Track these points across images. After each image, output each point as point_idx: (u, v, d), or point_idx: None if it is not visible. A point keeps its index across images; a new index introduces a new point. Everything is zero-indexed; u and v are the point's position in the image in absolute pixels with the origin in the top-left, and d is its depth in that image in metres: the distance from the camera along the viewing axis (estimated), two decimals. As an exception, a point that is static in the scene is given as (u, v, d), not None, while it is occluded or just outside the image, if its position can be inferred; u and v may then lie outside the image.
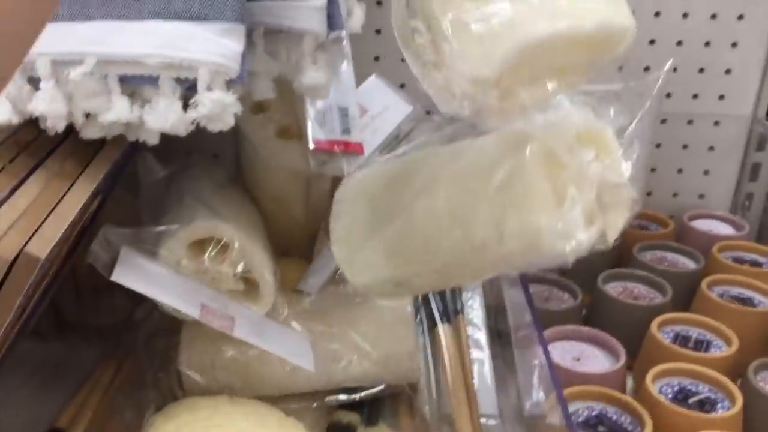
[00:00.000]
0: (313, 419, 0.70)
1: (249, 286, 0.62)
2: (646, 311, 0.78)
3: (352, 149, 0.69)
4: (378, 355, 0.68)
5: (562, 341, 0.73)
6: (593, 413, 0.63)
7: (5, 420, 0.64)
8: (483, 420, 0.65)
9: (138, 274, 0.55)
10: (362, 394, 0.69)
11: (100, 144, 0.59)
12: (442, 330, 0.70)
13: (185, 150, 0.85)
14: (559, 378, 0.56)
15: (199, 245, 0.59)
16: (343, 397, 0.69)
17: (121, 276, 0.54)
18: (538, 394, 0.67)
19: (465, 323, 0.72)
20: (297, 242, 0.82)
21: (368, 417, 0.69)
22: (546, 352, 0.58)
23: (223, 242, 0.58)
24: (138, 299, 0.79)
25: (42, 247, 0.45)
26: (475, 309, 0.74)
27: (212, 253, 0.58)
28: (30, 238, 0.46)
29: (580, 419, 0.63)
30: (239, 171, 0.80)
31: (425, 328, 0.70)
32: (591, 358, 0.71)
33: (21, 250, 0.44)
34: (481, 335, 0.73)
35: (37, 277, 0.46)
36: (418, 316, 0.70)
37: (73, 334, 0.78)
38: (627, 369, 0.71)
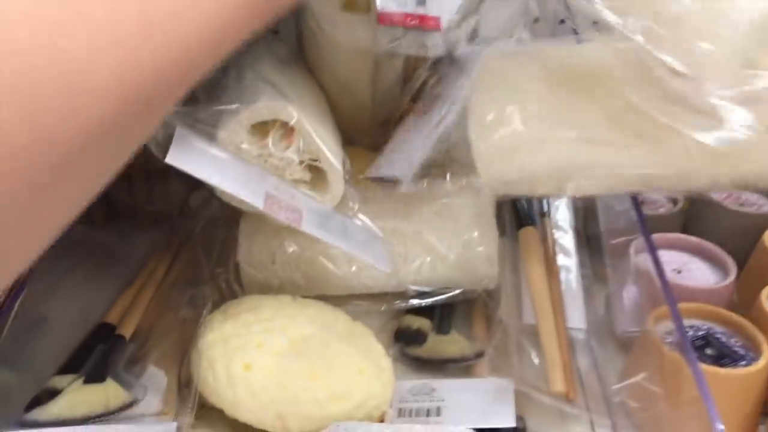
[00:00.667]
0: (379, 323, 0.65)
1: (315, 176, 0.55)
2: (754, 219, 0.69)
3: (427, 24, 0.60)
4: (454, 258, 0.62)
5: (661, 251, 0.64)
6: (699, 333, 0.55)
7: (54, 309, 0.60)
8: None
9: (195, 157, 0.49)
10: (434, 299, 0.63)
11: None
12: (527, 233, 0.63)
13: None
14: (672, 291, 0.49)
15: (261, 128, 0.52)
16: (414, 301, 0.63)
17: (177, 159, 0.47)
18: (634, 308, 0.60)
19: (552, 226, 0.64)
20: (362, 131, 0.74)
21: (440, 324, 0.64)
22: (656, 260, 0.51)
23: (288, 126, 0.51)
24: (193, 185, 0.74)
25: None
26: (562, 211, 0.67)
27: (276, 137, 0.51)
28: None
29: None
30: (301, 50, 0.72)
31: (508, 230, 0.63)
32: (694, 271, 0.63)
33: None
34: (568, 240, 0.65)
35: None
36: (500, 217, 0.63)
37: (126, 223, 0.73)
38: (731, 284, 0.63)
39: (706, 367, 0.50)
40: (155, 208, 0.75)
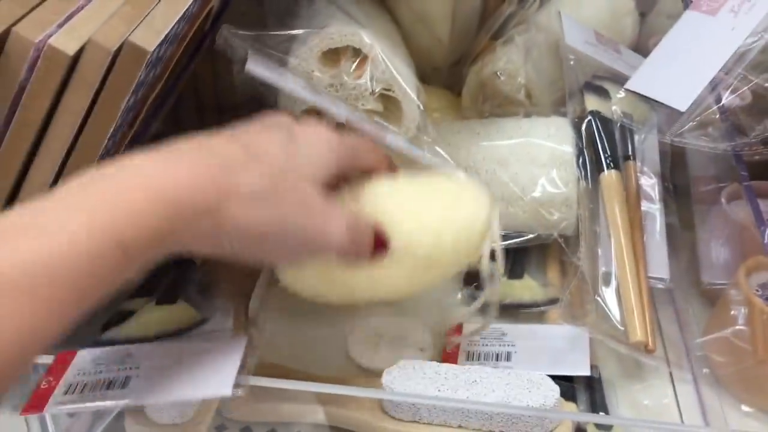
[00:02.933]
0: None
1: (388, 108, 0.53)
2: None
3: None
4: (528, 201, 0.59)
5: (758, 200, 0.60)
6: (795, 287, 0.52)
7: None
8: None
9: (272, 72, 0.47)
10: (509, 242, 0.60)
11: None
12: (609, 177, 0.59)
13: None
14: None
15: (333, 57, 0.50)
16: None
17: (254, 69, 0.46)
18: (723, 259, 0.57)
19: (636, 171, 0.60)
20: (437, 66, 0.72)
21: (512, 268, 0.61)
22: (756, 208, 0.47)
23: (360, 54, 0.49)
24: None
25: (150, 38, 0.37)
26: (647, 155, 0.63)
27: (348, 66, 0.49)
28: (135, 28, 0.38)
29: (775, 294, 0.52)
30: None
31: (588, 173, 0.59)
32: (792, 222, 0.58)
33: (125, 40, 0.37)
34: (653, 186, 0.61)
35: (149, 75, 0.39)
36: (581, 159, 0.60)
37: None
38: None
39: (804, 322, 0.46)
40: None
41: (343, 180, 0.44)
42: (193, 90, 0.71)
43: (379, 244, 0.42)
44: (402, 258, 0.44)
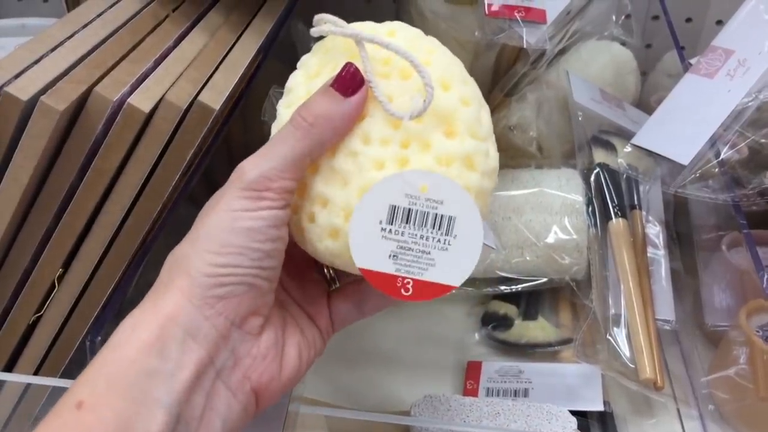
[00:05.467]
0: (467, 308, 0.67)
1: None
2: None
3: (533, 17, 0.61)
4: (542, 246, 0.63)
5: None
6: (792, 328, 0.55)
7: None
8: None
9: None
10: (522, 286, 0.64)
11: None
12: (617, 225, 0.64)
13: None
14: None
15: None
16: (501, 287, 0.64)
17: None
18: (725, 302, 0.61)
19: (642, 219, 0.65)
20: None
21: (526, 310, 0.65)
22: (755, 254, 0.51)
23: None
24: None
25: (215, 97, 0.42)
26: (652, 204, 0.67)
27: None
28: (202, 88, 0.42)
29: (774, 335, 0.56)
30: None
31: (597, 221, 0.64)
32: (787, 268, 0.63)
33: (194, 99, 0.41)
34: (657, 233, 0.65)
35: (208, 130, 0.43)
36: (590, 208, 0.64)
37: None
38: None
39: (801, 361, 0.50)
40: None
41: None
42: (224, 140, 0.76)
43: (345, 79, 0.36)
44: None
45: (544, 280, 0.64)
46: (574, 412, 0.54)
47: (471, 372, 0.60)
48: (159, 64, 0.45)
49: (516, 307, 0.66)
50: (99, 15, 0.50)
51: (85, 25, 0.47)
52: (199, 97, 0.41)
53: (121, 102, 0.40)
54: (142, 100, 0.40)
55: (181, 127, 0.41)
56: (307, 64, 0.40)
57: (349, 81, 0.35)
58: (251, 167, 0.34)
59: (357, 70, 0.36)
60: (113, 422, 0.29)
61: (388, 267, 0.36)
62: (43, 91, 0.39)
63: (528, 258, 0.64)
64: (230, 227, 0.33)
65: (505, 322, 0.64)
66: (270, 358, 0.35)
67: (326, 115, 0.35)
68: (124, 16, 0.50)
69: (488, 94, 0.76)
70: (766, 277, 0.52)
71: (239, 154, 0.78)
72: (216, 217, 0.34)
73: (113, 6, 0.51)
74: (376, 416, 0.49)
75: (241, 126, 0.75)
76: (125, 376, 0.30)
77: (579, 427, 0.53)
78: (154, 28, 0.49)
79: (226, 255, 0.33)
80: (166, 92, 0.41)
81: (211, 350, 0.32)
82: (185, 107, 0.41)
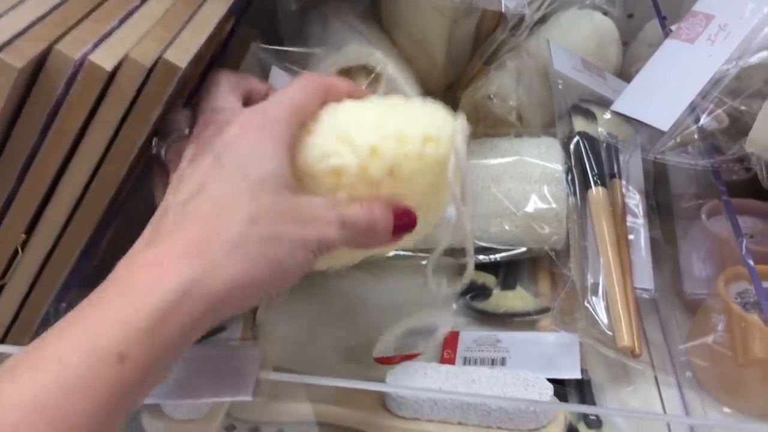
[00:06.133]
0: (445, 277, 0.66)
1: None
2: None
3: (512, -22, 0.60)
4: (521, 215, 0.63)
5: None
6: (770, 296, 0.55)
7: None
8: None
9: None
10: (500, 255, 0.64)
11: (236, -42, 0.54)
12: (596, 193, 0.63)
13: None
14: (750, 253, 0.49)
15: (346, 74, 0.53)
16: (480, 257, 0.64)
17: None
18: (704, 270, 0.60)
19: (621, 188, 0.64)
20: (432, 90, 0.75)
21: (504, 280, 0.65)
22: (735, 222, 0.51)
23: (372, 74, 0.52)
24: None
25: (181, 55, 0.40)
26: (632, 173, 0.66)
27: (363, 82, 0.52)
28: (167, 47, 0.41)
29: (751, 300, 0.56)
30: (376, 8, 0.73)
31: (576, 190, 0.63)
32: (766, 236, 0.62)
33: (159, 57, 0.40)
34: (637, 202, 0.65)
35: (174, 90, 0.42)
36: (570, 176, 0.63)
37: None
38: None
39: (780, 327, 0.50)
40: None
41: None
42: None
43: (400, 218, 0.40)
44: (365, 172, 0.40)
45: (523, 249, 0.64)
46: (551, 380, 0.54)
47: (448, 342, 0.59)
48: (124, 22, 0.43)
49: (495, 277, 0.65)
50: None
51: (47, -16, 0.46)
52: (165, 55, 0.39)
53: (83, 60, 0.39)
54: (105, 58, 0.39)
55: (146, 86, 0.40)
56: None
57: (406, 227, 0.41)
58: None
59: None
60: (143, 380, 0.30)
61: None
62: (0, 48, 0.38)
63: (507, 227, 0.63)
64: None
65: (484, 292, 0.64)
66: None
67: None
68: (89, -24, 0.48)
69: (467, 62, 0.75)
70: (744, 243, 0.52)
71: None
72: None
73: (78, -35, 0.50)
74: (353, 383, 0.48)
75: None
76: (167, 342, 0.31)
77: (556, 394, 0.53)
78: (121, -12, 0.47)
79: None
80: (130, 50, 0.40)
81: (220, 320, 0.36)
82: (150, 66, 0.39)
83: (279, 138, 0.37)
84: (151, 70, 0.40)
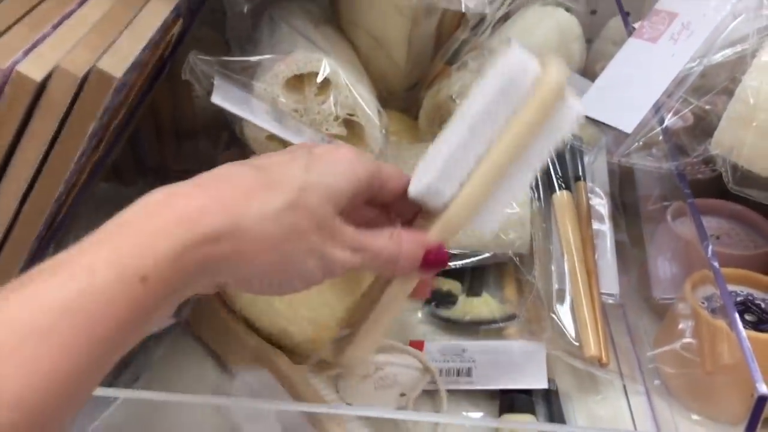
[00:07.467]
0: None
1: (351, 132, 0.54)
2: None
3: (470, -22, 0.58)
4: (485, 220, 0.61)
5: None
6: (738, 299, 0.54)
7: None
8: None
9: (237, 101, 0.48)
10: (464, 261, 0.62)
11: (181, -43, 0.51)
12: (561, 197, 0.62)
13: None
14: (716, 256, 0.48)
15: (297, 83, 0.51)
16: (443, 263, 0.62)
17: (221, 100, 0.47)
18: (671, 274, 0.59)
19: (587, 191, 0.63)
20: (394, 92, 0.73)
21: (470, 286, 0.63)
22: (700, 225, 0.49)
23: (324, 80, 0.50)
24: (222, 144, 0.74)
25: (116, 64, 0.38)
26: (597, 176, 0.65)
27: (312, 91, 0.50)
28: (102, 54, 0.39)
29: (718, 304, 0.55)
30: (333, 9, 0.71)
31: (540, 193, 0.62)
32: (732, 237, 0.61)
33: (93, 66, 0.37)
34: (602, 205, 0.64)
35: (114, 101, 0.39)
36: (533, 180, 0.62)
37: (155, 180, 0.73)
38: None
39: (747, 332, 0.49)
40: (183, 167, 0.74)
41: (371, 203, 0.43)
42: (152, 115, 0.72)
43: (431, 255, 0.41)
44: None
45: (488, 255, 0.62)
46: (518, 391, 0.53)
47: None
48: (58, 28, 0.40)
49: (460, 284, 0.63)
50: (-5, -24, 0.45)
51: (-23, -12, 0.43)
52: (98, 64, 0.37)
53: (11, 70, 0.36)
54: (33, 68, 0.36)
55: (79, 98, 0.37)
56: None
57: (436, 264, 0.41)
58: None
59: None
60: (153, 307, 0.31)
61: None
62: None
63: (470, 232, 0.61)
64: None
65: (449, 299, 0.62)
66: None
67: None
68: (23, -23, 0.45)
69: (429, 62, 0.73)
70: (710, 247, 0.51)
71: (169, 128, 0.74)
72: None
73: (13, -34, 0.47)
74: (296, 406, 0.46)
75: (169, 99, 0.71)
76: (182, 279, 0.32)
77: (523, 406, 0.52)
78: (56, -10, 0.44)
79: None
80: (61, 59, 0.37)
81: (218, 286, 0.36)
82: (82, 75, 0.37)
83: (357, 172, 0.39)
84: (84, 80, 0.37)
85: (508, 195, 0.41)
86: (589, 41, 0.77)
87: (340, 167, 0.39)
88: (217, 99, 0.46)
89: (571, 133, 0.40)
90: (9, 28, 0.40)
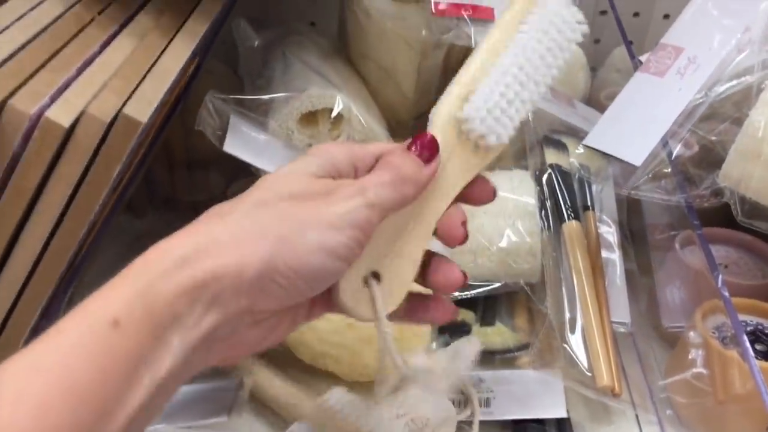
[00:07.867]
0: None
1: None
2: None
3: (481, 15, 0.60)
4: (495, 251, 0.62)
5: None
6: (748, 329, 0.55)
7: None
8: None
9: (249, 145, 0.49)
10: (476, 291, 0.63)
11: (197, -1, 0.52)
12: (570, 227, 0.62)
13: (280, 18, 0.77)
14: (725, 284, 0.48)
15: (310, 117, 0.52)
16: (457, 293, 0.62)
17: (233, 146, 0.47)
18: (680, 303, 0.60)
19: (595, 220, 0.63)
20: (401, 122, 0.74)
21: (483, 316, 0.64)
22: (709, 254, 0.50)
23: (336, 114, 0.51)
24: (232, 176, 0.74)
25: (142, 109, 0.39)
26: (605, 205, 0.66)
27: (326, 126, 0.51)
28: (128, 99, 0.39)
29: (729, 334, 0.55)
30: (342, 42, 0.72)
31: (550, 223, 0.62)
32: (741, 267, 0.62)
33: (119, 111, 0.38)
34: (611, 234, 0.64)
35: (137, 143, 0.40)
36: (543, 211, 0.62)
37: (167, 211, 0.74)
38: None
39: (758, 363, 0.49)
40: (195, 197, 0.75)
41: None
42: (164, 146, 0.73)
43: (421, 149, 0.38)
44: None
45: (498, 285, 0.63)
46: (532, 420, 0.53)
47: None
48: (82, 72, 0.41)
49: (473, 313, 0.64)
50: (18, 18, 0.46)
51: (1, 31, 0.44)
52: (125, 110, 0.38)
53: (39, 115, 0.37)
54: (61, 114, 0.37)
55: (106, 142, 0.38)
56: None
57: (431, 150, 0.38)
58: None
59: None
60: (137, 352, 0.29)
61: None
62: (-50, 104, 0.36)
63: (481, 263, 0.62)
64: None
65: (463, 329, 0.62)
66: (259, 341, 0.35)
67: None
68: (46, 20, 0.46)
69: (436, 95, 0.74)
70: (720, 277, 0.51)
71: (180, 159, 0.75)
72: None
73: (34, 8, 0.48)
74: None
75: (181, 130, 0.72)
76: (159, 312, 0.30)
77: (536, 433, 0.52)
78: (78, 33, 0.45)
79: None
80: (88, 104, 0.38)
81: (221, 322, 0.32)
82: (109, 121, 0.37)
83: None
84: (111, 125, 0.38)
85: (520, 96, 0.40)
86: (593, 69, 0.79)
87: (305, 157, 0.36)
88: (228, 147, 0.46)
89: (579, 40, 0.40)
90: (36, 72, 0.41)
